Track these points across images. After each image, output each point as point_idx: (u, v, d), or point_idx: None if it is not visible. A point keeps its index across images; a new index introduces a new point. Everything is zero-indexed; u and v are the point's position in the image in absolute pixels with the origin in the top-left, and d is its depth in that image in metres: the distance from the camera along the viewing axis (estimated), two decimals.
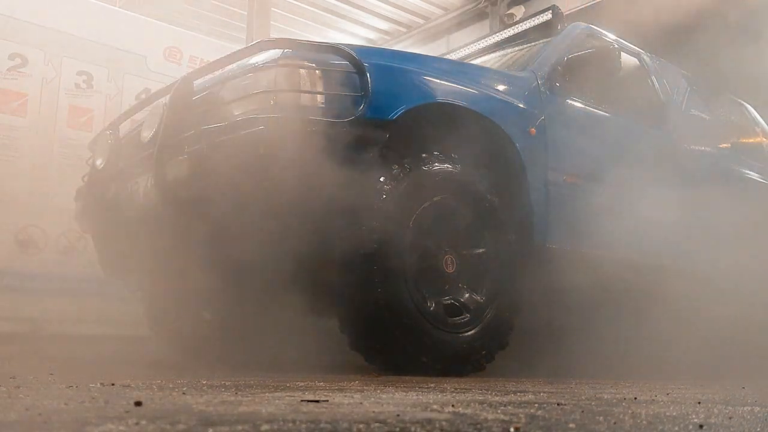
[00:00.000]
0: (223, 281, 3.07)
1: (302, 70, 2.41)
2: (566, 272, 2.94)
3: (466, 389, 1.88)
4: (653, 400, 1.72)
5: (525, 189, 2.86)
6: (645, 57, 3.88)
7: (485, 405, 1.45)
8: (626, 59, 3.49)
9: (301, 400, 1.45)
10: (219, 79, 2.60)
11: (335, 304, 2.61)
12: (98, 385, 1.72)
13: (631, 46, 3.82)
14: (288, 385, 1.89)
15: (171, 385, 1.76)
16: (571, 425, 1.18)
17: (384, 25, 7.58)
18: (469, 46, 4.18)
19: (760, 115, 4.77)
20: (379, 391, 1.73)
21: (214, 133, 2.40)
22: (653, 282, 3.34)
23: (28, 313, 4.23)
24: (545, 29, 3.72)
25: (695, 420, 1.29)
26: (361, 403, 1.42)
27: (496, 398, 1.63)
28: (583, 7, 5.85)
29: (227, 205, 2.39)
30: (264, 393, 1.61)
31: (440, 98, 2.65)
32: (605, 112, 3.37)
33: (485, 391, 1.82)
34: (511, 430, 1.10)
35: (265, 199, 2.35)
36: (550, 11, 3.72)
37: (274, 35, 5.87)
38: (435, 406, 1.39)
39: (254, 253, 2.52)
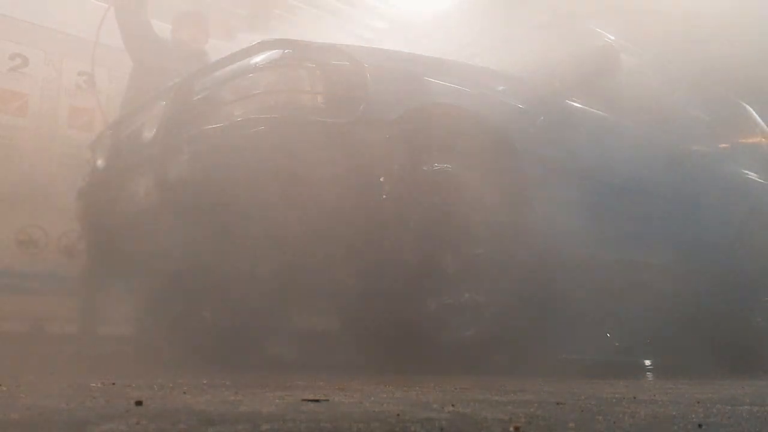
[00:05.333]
0: (224, 281, 3.07)
1: (302, 70, 2.42)
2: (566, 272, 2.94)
3: (466, 389, 1.89)
4: (653, 399, 1.72)
5: (525, 189, 2.87)
6: (645, 57, 3.89)
7: (485, 404, 1.45)
8: (626, 59, 3.49)
9: (301, 400, 1.45)
10: (219, 79, 2.60)
11: (335, 304, 2.61)
12: (98, 384, 1.73)
13: (631, 46, 3.82)
14: (288, 385, 1.89)
15: (171, 385, 1.76)
16: (571, 425, 1.18)
17: (383, 25, 7.58)
18: (469, 45, 4.17)
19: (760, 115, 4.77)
20: (379, 391, 1.73)
21: (214, 133, 2.41)
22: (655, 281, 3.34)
23: (28, 313, 4.23)
24: (545, 29, 3.72)
25: (695, 420, 1.29)
26: (361, 403, 1.42)
27: (496, 398, 1.63)
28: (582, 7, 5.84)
29: (227, 205, 2.39)
30: (264, 393, 1.61)
31: (440, 98, 2.65)
32: (605, 112, 3.37)
33: (485, 391, 1.82)
34: (511, 429, 1.10)
35: (265, 200, 2.35)
36: (550, 11, 3.72)
37: (274, 35, 5.86)
38: (435, 406, 1.39)
39: (254, 253, 2.52)
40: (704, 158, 3.89)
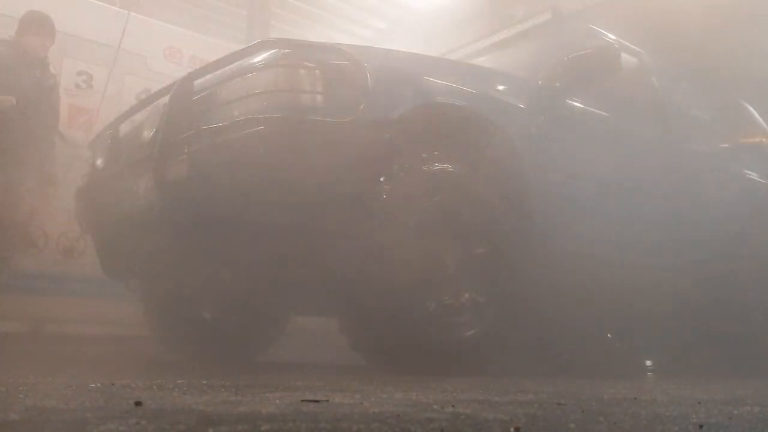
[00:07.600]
0: (223, 281, 3.07)
1: (302, 70, 2.41)
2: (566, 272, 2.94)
3: (466, 389, 1.88)
4: (653, 400, 1.72)
5: (525, 189, 2.86)
6: (645, 57, 3.88)
7: (485, 405, 1.45)
8: (626, 59, 3.48)
9: (301, 400, 1.45)
10: (219, 79, 2.60)
11: (335, 304, 2.61)
12: (98, 385, 1.72)
13: (631, 46, 3.81)
14: (288, 385, 1.89)
15: (171, 385, 1.76)
16: (572, 425, 1.18)
17: (384, 25, 7.58)
18: (468, 45, 4.18)
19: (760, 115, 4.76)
20: (379, 391, 1.73)
21: (214, 133, 2.40)
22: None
23: (28, 313, 4.23)
24: (545, 29, 3.72)
25: (695, 420, 1.29)
26: (361, 403, 1.42)
27: (496, 398, 1.63)
28: (583, 7, 5.84)
29: (227, 205, 2.39)
30: (264, 393, 1.61)
31: (440, 98, 2.65)
32: (605, 112, 3.37)
33: (485, 391, 1.82)
34: (511, 430, 1.10)
35: (265, 200, 2.35)
36: (550, 11, 3.72)
37: (274, 35, 5.86)
38: (435, 406, 1.39)
39: (254, 253, 2.52)
40: (704, 158, 3.88)
